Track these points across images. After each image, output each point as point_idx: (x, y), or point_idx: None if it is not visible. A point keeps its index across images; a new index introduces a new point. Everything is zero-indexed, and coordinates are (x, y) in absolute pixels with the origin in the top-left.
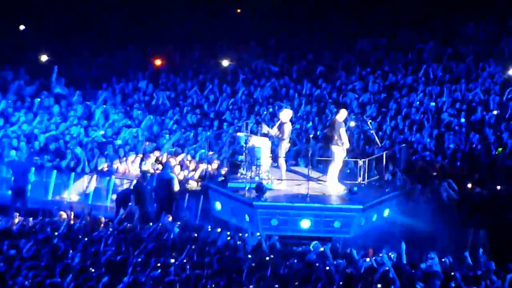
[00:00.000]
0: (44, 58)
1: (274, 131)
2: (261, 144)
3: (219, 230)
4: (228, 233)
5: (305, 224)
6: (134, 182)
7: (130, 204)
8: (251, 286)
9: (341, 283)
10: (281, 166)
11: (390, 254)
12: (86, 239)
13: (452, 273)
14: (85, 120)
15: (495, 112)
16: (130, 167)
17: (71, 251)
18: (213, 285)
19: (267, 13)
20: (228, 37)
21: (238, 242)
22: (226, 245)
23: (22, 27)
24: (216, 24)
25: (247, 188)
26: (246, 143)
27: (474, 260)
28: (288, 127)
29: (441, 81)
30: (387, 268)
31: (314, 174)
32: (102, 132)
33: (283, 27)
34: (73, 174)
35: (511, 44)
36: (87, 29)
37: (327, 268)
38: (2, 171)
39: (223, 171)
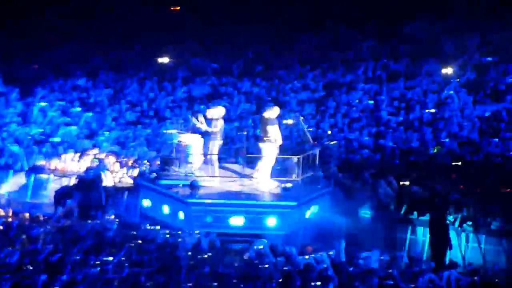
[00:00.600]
0: None
1: (204, 127)
2: (192, 141)
3: (158, 227)
4: (167, 231)
5: (239, 221)
6: (74, 179)
7: (68, 201)
8: (189, 284)
9: (280, 280)
10: (213, 163)
11: (328, 252)
12: (23, 237)
13: (390, 271)
14: (23, 117)
15: (432, 111)
16: (69, 165)
17: (9, 248)
18: (152, 283)
19: (206, 11)
20: (167, 34)
21: (179, 240)
22: (165, 243)
23: None
24: (155, 21)
25: (180, 185)
26: (177, 140)
27: (412, 258)
28: (219, 124)
29: (380, 79)
30: (325, 266)
31: (247, 171)
32: (40, 130)
33: (223, 24)
34: (11, 171)
35: (449, 43)
36: (26, 25)
37: (266, 265)
38: None
39: (155, 167)
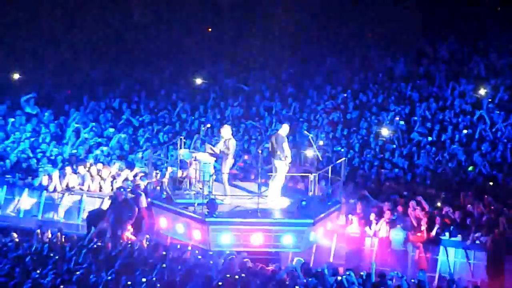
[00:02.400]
0: (15, 76)
1: (218, 149)
2: (208, 160)
3: (189, 248)
4: (197, 251)
5: (257, 239)
6: (107, 199)
7: (101, 222)
8: None
9: None
10: (224, 182)
11: (361, 272)
12: (57, 257)
13: None
14: (56, 138)
15: (465, 131)
16: (102, 185)
17: (43, 269)
18: None
19: (238, 32)
20: (200, 56)
21: (210, 262)
22: (197, 263)
23: None
24: (187, 42)
25: (196, 204)
26: (191, 159)
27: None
28: (232, 143)
29: (412, 100)
30: (356, 286)
31: (255, 189)
32: (74, 151)
33: (253, 45)
34: (44, 192)
35: (481, 64)
36: (58, 47)
37: (297, 287)
38: None
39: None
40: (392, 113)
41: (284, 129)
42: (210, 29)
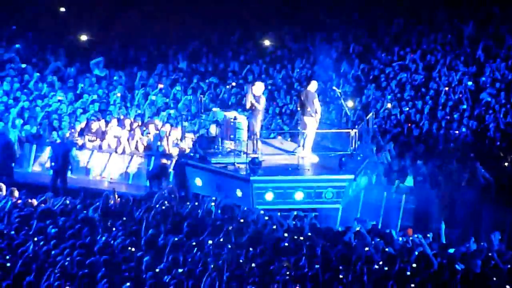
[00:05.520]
0: (83, 38)
1: (249, 104)
2: (241, 118)
3: (261, 212)
4: (262, 212)
5: (299, 196)
6: (174, 160)
7: (165, 181)
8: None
9: (380, 262)
10: (256, 140)
11: (427, 234)
12: (125, 218)
13: (490, 254)
14: (125, 101)
15: None
16: (170, 147)
17: (112, 230)
18: (253, 265)
19: None
20: (268, 18)
21: (277, 221)
22: (265, 225)
23: (62, 9)
24: (253, 4)
25: (235, 163)
26: (224, 118)
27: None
28: (262, 100)
29: (480, 61)
30: (425, 248)
31: (286, 145)
32: (141, 112)
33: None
34: (113, 154)
35: None
36: (125, 9)
37: (367, 248)
38: (43, 152)
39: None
40: (460, 73)
41: (313, 85)
42: None
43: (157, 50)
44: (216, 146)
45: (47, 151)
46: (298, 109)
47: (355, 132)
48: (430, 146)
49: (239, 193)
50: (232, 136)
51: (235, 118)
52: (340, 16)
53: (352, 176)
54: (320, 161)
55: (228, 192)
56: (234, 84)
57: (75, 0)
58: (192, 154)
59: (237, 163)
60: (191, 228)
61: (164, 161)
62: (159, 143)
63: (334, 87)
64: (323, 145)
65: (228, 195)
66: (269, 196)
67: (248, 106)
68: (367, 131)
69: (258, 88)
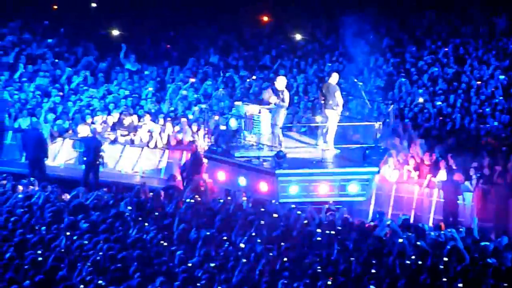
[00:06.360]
0: (115, 33)
1: (274, 99)
2: (263, 112)
3: (293, 206)
4: (293, 206)
5: (324, 189)
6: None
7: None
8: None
9: (413, 256)
10: (278, 134)
11: (459, 228)
12: (157, 213)
13: None
14: (156, 95)
15: None
16: (202, 142)
17: (145, 224)
18: (284, 259)
19: None
20: (299, 12)
21: (309, 216)
22: (297, 219)
23: (93, 5)
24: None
25: (259, 157)
26: (245, 112)
27: None
28: (287, 95)
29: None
30: (457, 242)
31: (305, 139)
32: (172, 108)
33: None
34: (145, 148)
35: None
36: (156, 4)
37: (400, 241)
38: (76, 146)
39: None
40: (492, 67)
41: (334, 78)
42: None
43: (188, 44)
44: (238, 140)
45: (78, 146)
46: (321, 101)
47: (379, 125)
48: (461, 140)
49: (264, 187)
50: (255, 130)
51: (259, 112)
52: (371, 8)
53: (376, 169)
54: (344, 153)
55: (251, 185)
56: (254, 77)
57: None
58: (214, 148)
59: (262, 156)
60: (222, 222)
61: (197, 155)
62: (190, 138)
63: (355, 80)
64: (349, 138)
65: (252, 188)
66: (293, 190)
67: (272, 101)
68: (388, 124)
69: (280, 82)
